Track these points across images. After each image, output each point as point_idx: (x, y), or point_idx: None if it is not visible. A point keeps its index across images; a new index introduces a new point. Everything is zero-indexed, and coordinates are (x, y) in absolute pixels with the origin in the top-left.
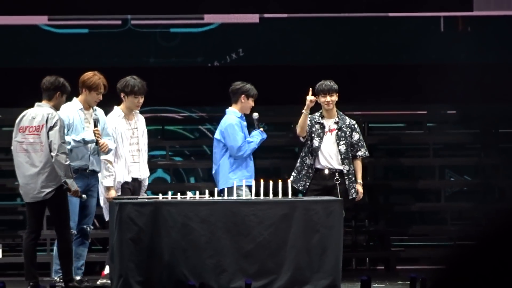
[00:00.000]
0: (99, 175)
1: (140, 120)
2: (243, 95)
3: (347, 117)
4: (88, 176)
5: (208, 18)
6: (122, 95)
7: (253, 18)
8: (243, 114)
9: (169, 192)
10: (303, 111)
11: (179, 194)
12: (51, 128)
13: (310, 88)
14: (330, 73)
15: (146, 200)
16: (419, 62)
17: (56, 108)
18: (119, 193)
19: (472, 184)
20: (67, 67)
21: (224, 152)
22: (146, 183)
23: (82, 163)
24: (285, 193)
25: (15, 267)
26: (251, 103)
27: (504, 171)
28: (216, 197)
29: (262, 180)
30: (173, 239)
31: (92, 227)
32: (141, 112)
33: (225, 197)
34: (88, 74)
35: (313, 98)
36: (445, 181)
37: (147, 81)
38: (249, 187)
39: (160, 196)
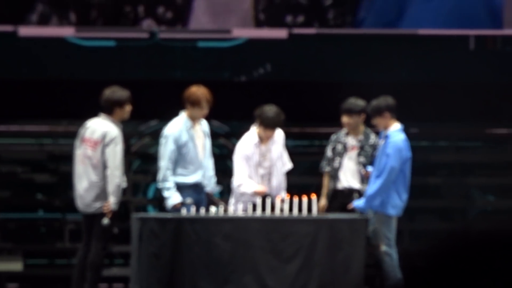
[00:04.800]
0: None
1: (276, 142)
2: None
3: (373, 136)
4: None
5: (236, 32)
6: (258, 121)
7: (282, 33)
8: None
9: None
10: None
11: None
12: (107, 145)
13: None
14: (358, 90)
15: (170, 216)
16: (448, 80)
17: (121, 120)
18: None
19: (498, 204)
20: (93, 79)
21: None
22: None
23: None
24: (311, 210)
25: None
26: None
27: None
28: (240, 213)
29: (287, 197)
30: (196, 254)
31: None
32: (160, 127)
33: (249, 214)
34: (192, 88)
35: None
36: (471, 201)
37: (173, 95)
38: None
39: (183, 212)
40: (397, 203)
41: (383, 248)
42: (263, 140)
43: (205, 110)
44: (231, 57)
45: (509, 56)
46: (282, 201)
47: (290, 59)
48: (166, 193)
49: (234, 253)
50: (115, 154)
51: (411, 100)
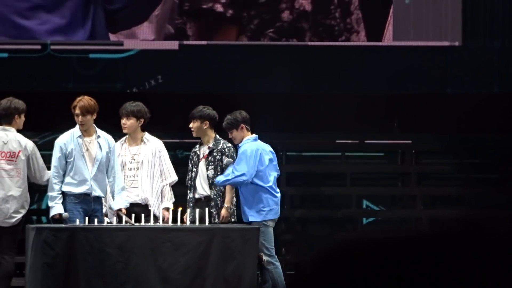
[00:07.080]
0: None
1: (148, 147)
2: None
3: (222, 142)
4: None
5: (128, 44)
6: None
7: (173, 45)
8: None
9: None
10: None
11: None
12: (30, 157)
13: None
14: (250, 101)
15: (63, 226)
16: (335, 91)
17: (19, 130)
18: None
19: (388, 214)
20: None
21: None
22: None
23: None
24: (203, 220)
25: None
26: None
27: (422, 201)
28: (133, 223)
29: (180, 207)
30: (90, 265)
31: None
32: (52, 139)
33: (143, 223)
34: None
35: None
36: (362, 210)
37: (65, 106)
38: None
39: (77, 222)
40: (271, 210)
41: (264, 258)
42: (130, 137)
43: (79, 118)
44: (123, 68)
45: (391, 68)
46: (167, 210)
47: (182, 70)
48: (49, 203)
49: (127, 264)
50: (41, 164)
51: (298, 110)
